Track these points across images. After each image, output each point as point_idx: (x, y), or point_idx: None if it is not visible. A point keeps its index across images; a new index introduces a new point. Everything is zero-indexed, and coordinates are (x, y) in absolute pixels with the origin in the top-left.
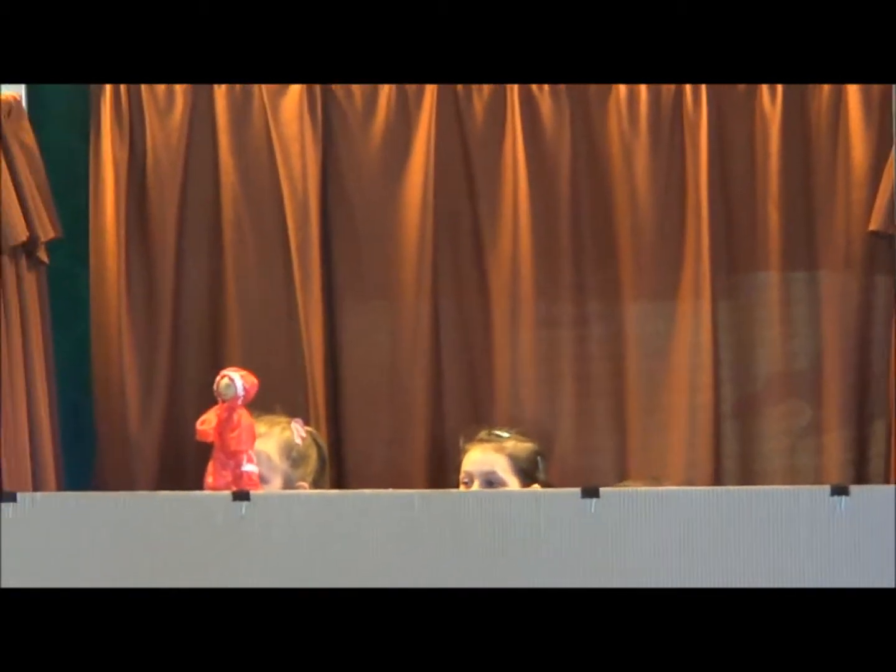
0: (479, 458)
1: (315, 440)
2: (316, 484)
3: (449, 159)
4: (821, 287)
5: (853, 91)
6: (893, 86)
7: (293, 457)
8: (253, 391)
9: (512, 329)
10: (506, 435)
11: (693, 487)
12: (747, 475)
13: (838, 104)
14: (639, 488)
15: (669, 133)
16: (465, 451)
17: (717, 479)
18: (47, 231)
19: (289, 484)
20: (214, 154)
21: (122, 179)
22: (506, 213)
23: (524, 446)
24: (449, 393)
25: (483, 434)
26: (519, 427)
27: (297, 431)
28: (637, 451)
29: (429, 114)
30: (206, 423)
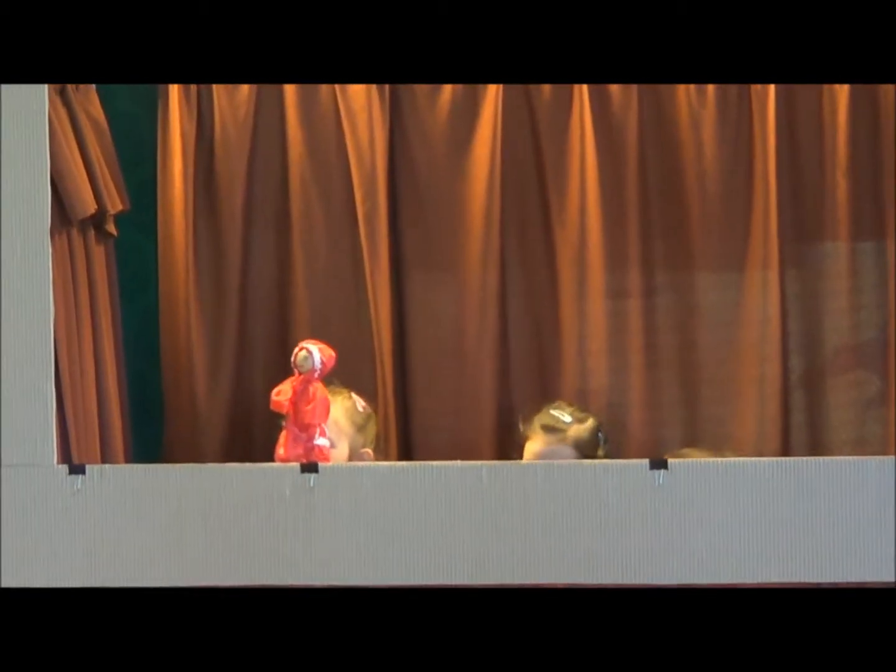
0: (544, 452)
1: (373, 413)
2: (375, 454)
3: (516, 130)
4: (888, 257)
5: None
6: None
7: (357, 423)
8: (330, 364)
9: (579, 300)
10: (567, 419)
11: (761, 458)
12: (816, 446)
13: None
14: (703, 458)
15: (737, 102)
16: (525, 437)
17: (786, 451)
18: (115, 203)
19: (355, 449)
20: (282, 126)
21: (190, 152)
22: (573, 184)
23: (585, 427)
24: (516, 364)
25: (544, 421)
26: (576, 403)
27: (358, 401)
28: (705, 422)
29: (496, 85)
30: (282, 395)
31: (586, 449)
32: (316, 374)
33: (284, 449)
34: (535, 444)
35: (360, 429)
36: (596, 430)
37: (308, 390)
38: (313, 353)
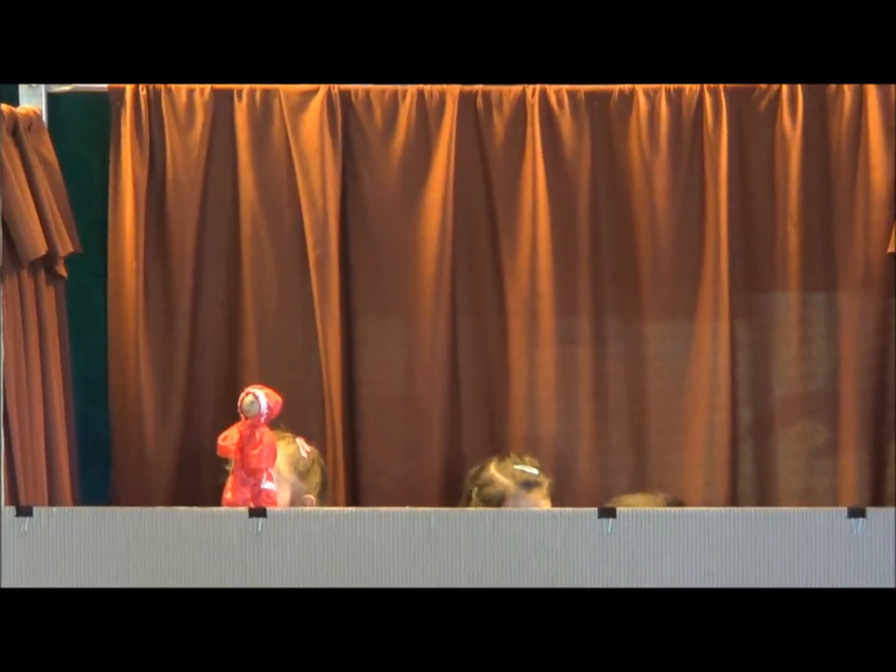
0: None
1: (318, 458)
2: (319, 500)
3: (468, 175)
4: (839, 308)
5: (873, 112)
6: None
7: (300, 469)
8: (277, 409)
9: (529, 346)
10: (536, 471)
11: (709, 508)
12: (764, 496)
13: (858, 125)
14: (653, 508)
15: (689, 151)
16: (505, 496)
17: (734, 500)
18: (66, 245)
19: (297, 495)
20: (234, 169)
21: (142, 194)
22: (524, 230)
23: (543, 473)
24: (465, 410)
25: (519, 478)
26: (529, 452)
27: (302, 446)
28: (654, 470)
29: (448, 130)
30: (229, 440)
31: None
32: (262, 419)
33: (232, 493)
34: (519, 504)
35: (303, 475)
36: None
37: (255, 435)
38: (259, 397)
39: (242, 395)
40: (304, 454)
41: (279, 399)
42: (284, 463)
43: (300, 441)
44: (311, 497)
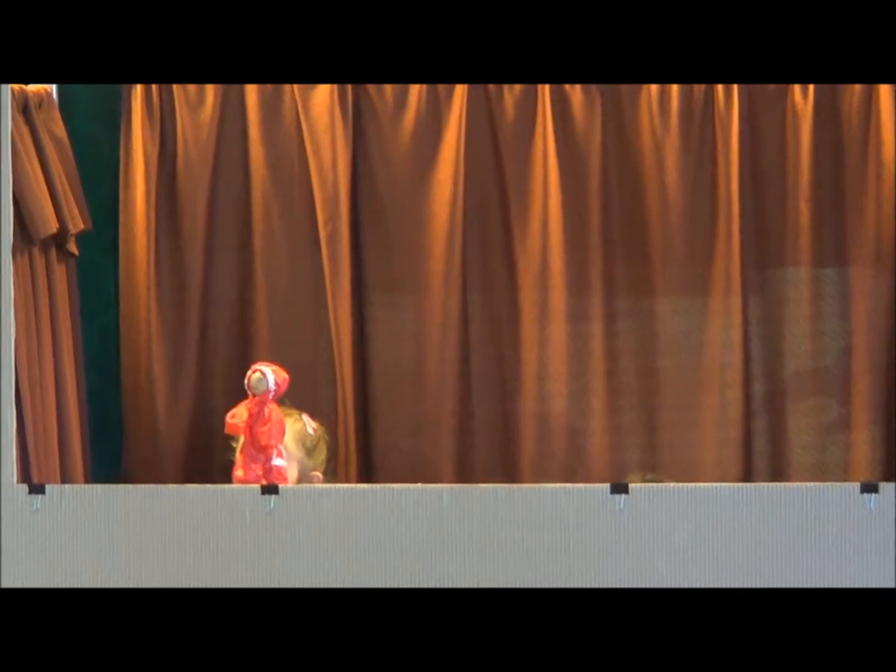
0: None
1: (323, 434)
2: (325, 476)
3: (479, 154)
4: (850, 284)
5: (885, 89)
6: None
7: (307, 446)
8: (284, 386)
9: (540, 323)
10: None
11: (722, 484)
12: (777, 472)
13: (869, 101)
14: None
15: (700, 129)
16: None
17: (747, 476)
18: (77, 223)
19: (304, 472)
20: (245, 147)
21: (153, 172)
22: (535, 208)
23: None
24: (476, 387)
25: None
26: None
27: (308, 422)
28: (666, 447)
29: (459, 108)
30: (237, 417)
31: None
32: (270, 396)
33: (244, 470)
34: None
35: (309, 452)
36: None
37: (263, 412)
38: (267, 374)
39: (249, 372)
40: (311, 431)
41: (286, 375)
42: (292, 440)
43: (306, 417)
44: (318, 474)
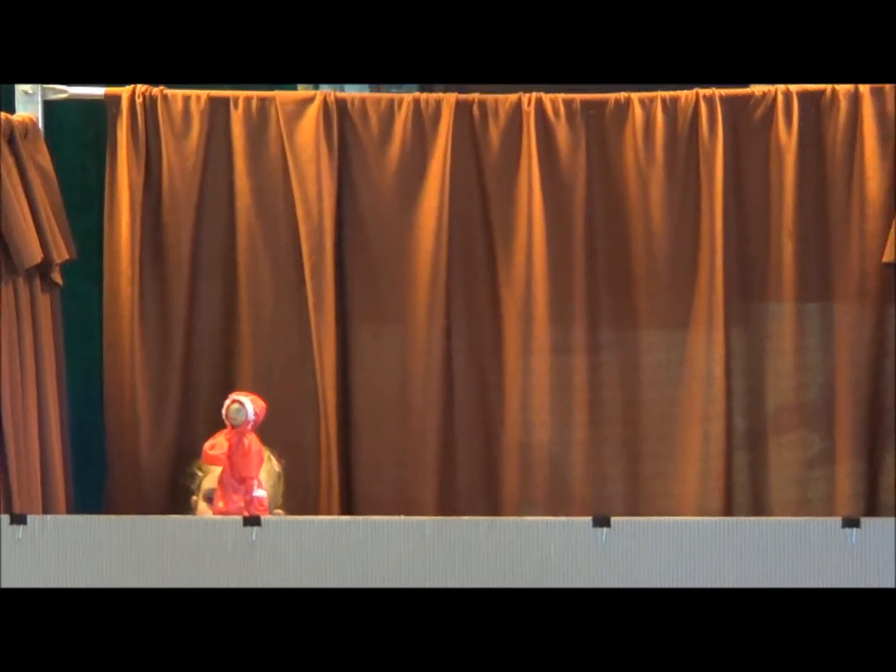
0: None
1: (281, 472)
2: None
3: (464, 184)
4: (834, 318)
5: (869, 121)
6: None
7: (272, 482)
8: (262, 415)
9: (524, 354)
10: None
11: (703, 518)
12: (759, 506)
13: (854, 134)
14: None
15: (685, 161)
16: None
17: (729, 510)
18: (62, 253)
19: (270, 508)
20: (230, 177)
21: (138, 202)
22: (520, 239)
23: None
24: (460, 418)
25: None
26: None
27: (273, 459)
28: (648, 479)
29: (444, 139)
30: (217, 448)
31: None
32: (249, 426)
33: (224, 502)
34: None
35: (274, 488)
36: None
37: (243, 442)
38: (246, 404)
39: (227, 402)
40: (278, 467)
41: (263, 404)
42: (264, 475)
43: (267, 453)
44: (281, 511)
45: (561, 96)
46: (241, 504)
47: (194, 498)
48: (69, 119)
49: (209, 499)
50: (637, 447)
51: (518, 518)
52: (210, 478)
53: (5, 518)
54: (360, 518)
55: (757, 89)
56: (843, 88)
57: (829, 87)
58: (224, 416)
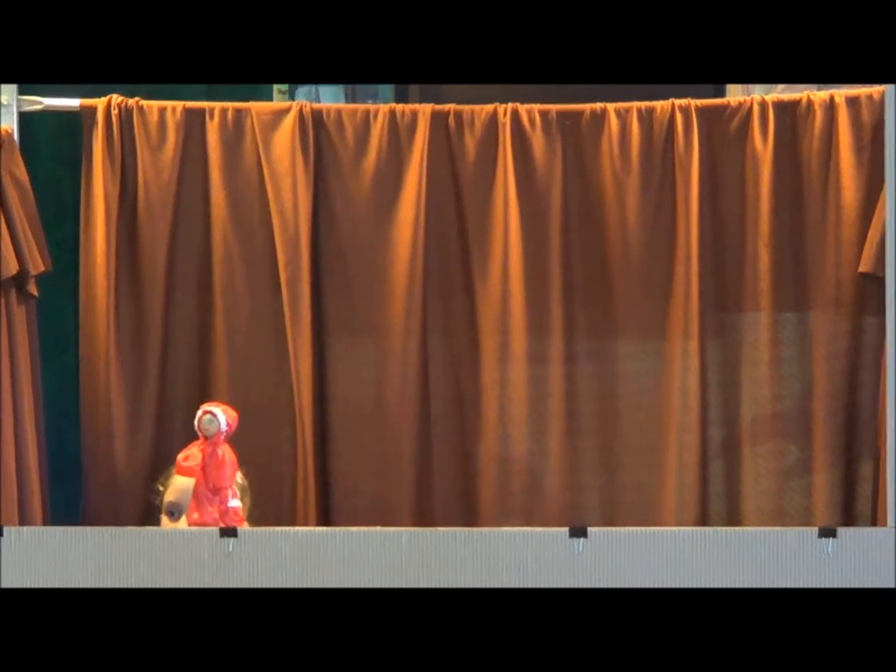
0: None
1: (247, 486)
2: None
3: (440, 195)
4: (810, 328)
5: (844, 131)
6: (885, 126)
7: (240, 496)
8: (235, 425)
9: (501, 365)
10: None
11: (680, 528)
12: (735, 515)
13: (829, 144)
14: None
15: (661, 171)
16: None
17: (705, 520)
18: (37, 265)
19: None
20: (205, 188)
21: (113, 214)
22: (496, 251)
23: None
24: (437, 428)
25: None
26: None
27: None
28: (625, 489)
29: (420, 150)
30: (191, 460)
31: None
32: (222, 437)
33: (199, 513)
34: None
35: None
36: None
37: (217, 453)
38: (218, 415)
39: (199, 413)
40: (240, 479)
41: (235, 414)
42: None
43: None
44: (247, 523)
45: (537, 107)
46: (216, 515)
47: (161, 515)
48: (45, 130)
49: (170, 512)
50: (614, 458)
51: (495, 529)
52: (171, 490)
53: None
54: (337, 529)
55: (732, 99)
56: (819, 98)
57: (804, 96)
58: (197, 428)
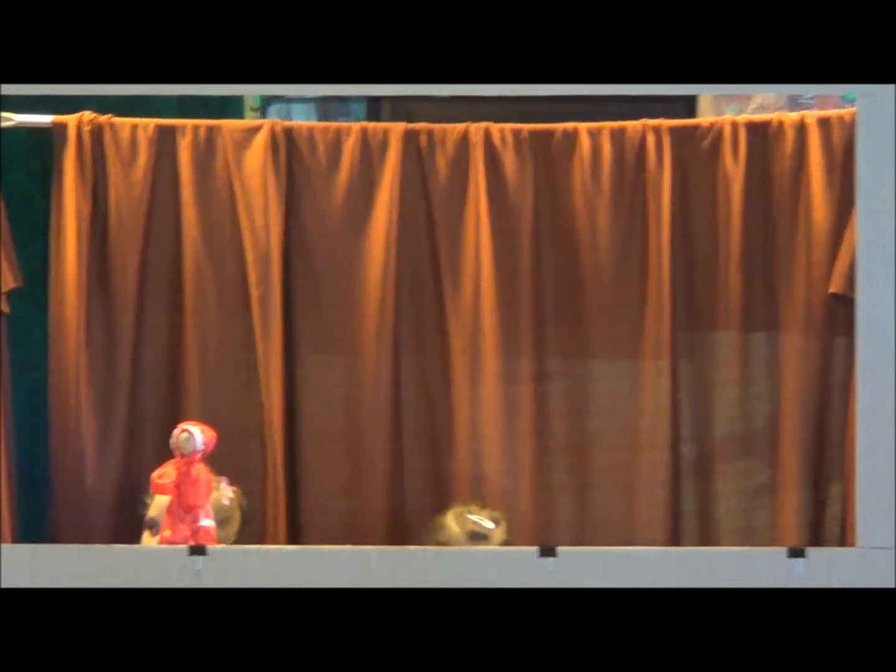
0: None
1: (240, 501)
2: (237, 543)
3: (412, 214)
4: (780, 348)
5: (815, 152)
6: (856, 148)
7: (220, 518)
8: (212, 444)
9: (472, 384)
10: (489, 524)
11: (650, 548)
12: (705, 534)
13: (800, 165)
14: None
15: (632, 191)
16: (451, 544)
17: (675, 538)
18: (8, 281)
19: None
20: (177, 206)
21: (84, 230)
22: (467, 268)
23: (503, 528)
24: (408, 447)
25: (468, 528)
26: (475, 501)
27: (225, 493)
28: (596, 508)
29: (392, 168)
30: (165, 477)
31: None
32: (198, 456)
33: (171, 531)
34: None
35: (221, 523)
36: (503, 522)
37: (191, 472)
38: (194, 434)
39: (176, 431)
40: (226, 501)
41: (213, 434)
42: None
43: (224, 486)
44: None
45: (509, 126)
46: (188, 533)
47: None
48: (16, 146)
49: (150, 527)
50: (584, 476)
51: (465, 548)
52: (153, 506)
53: None
54: (307, 547)
55: (704, 120)
56: (790, 119)
57: (775, 116)
58: (173, 446)
